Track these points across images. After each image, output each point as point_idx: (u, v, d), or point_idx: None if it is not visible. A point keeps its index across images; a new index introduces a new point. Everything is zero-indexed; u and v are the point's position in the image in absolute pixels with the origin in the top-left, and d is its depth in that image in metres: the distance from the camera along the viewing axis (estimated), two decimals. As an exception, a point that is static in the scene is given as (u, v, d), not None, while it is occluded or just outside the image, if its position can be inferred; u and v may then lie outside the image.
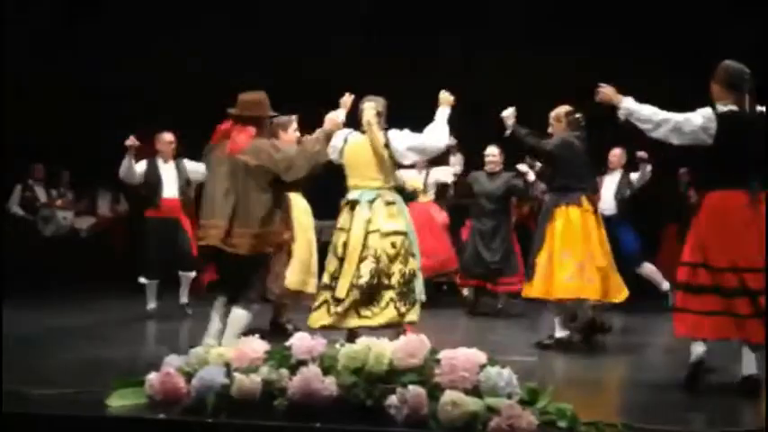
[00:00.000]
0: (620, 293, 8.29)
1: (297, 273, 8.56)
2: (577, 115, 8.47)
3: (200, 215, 7.01)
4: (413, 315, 7.22)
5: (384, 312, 7.12)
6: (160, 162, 10.42)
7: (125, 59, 14.31)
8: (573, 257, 8.08)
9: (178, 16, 14.38)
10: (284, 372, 4.88)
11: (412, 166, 10.83)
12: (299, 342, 5.00)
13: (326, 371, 4.87)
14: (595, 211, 8.32)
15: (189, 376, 4.94)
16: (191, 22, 14.47)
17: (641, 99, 12.43)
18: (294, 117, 8.42)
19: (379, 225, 7.26)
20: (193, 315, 9.93)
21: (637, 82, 13.62)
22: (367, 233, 7.23)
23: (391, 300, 7.15)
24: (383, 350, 4.88)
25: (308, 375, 4.80)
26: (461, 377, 4.74)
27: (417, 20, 14.46)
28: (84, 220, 14.10)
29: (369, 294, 7.13)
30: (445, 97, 7.65)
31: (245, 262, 6.75)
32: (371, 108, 7.47)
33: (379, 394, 4.76)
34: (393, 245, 7.26)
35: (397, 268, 7.22)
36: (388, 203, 7.39)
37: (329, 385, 4.79)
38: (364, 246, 7.22)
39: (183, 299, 10.47)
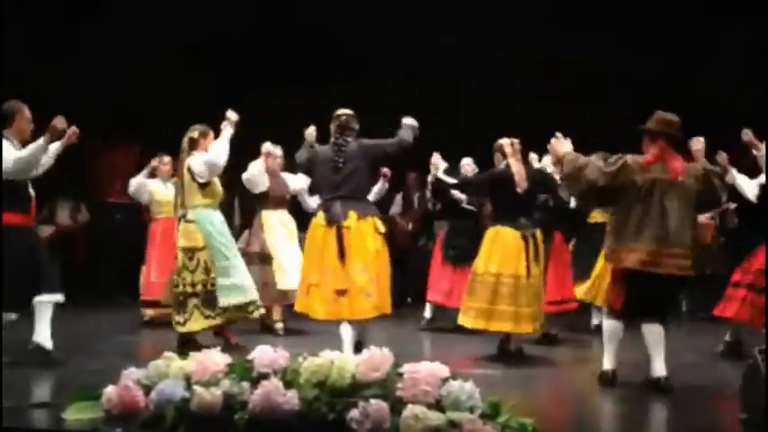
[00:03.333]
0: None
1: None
2: (342, 118, 8.12)
3: (635, 237, 6.84)
4: (218, 319, 8.46)
5: (193, 319, 8.36)
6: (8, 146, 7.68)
7: (125, 59, 14.32)
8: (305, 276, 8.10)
9: (178, 16, 14.38)
10: (245, 385, 4.85)
11: None
12: (261, 355, 4.96)
13: (288, 384, 4.84)
14: (330, 225, 7.81)
15: (148, 389, 4.91)
16: (190, 22, 14.46)
17: (639, 99, 12.46)
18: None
19: (180, 242, 8.59)
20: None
21: (636, 83, 13.75)
22: (178, 249, 8.57)
23: (195, 306, 8.36)
24: (346, 364, 4.87)
25: (269, 389, 4.77)
26: (424, 391, 4.73)
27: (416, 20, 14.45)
28: (43, 230, 13.78)
29: (178, 303, 8.45)
30: (230, 116, 8.49)
31: (678, 282, 7.03)
32: (186, 136, 8.56)
33: (341, 408, 4.73)
34: (191, 258, 8.49)
35: (198, 279, 8.45)
36: (188, 221, 8.60)
37: (291, 399, 4.76)
38: (176, 260, 8.57)
39: (46, 337, 7.79)
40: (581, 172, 6.90)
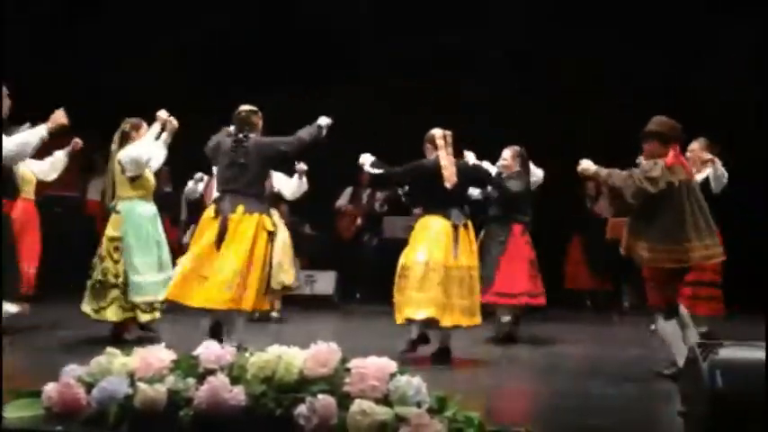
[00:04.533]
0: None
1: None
2: (242, 115, 8.20)
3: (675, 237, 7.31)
4: (146, 316, 8.72)
5: (110, 309, 8.55)
6: None
7: (125, 59, 14.35)
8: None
9: (178, 16, 14.40)
10: (191, 381, 4.78)
11: None
12: (207, 351, 4.90)
13: (235, 380, 4.78)
14: (216, 216, 7.90)
15: (89, 387, 4.83)
16: (190, 22, 14.48)
17: (639, 99, 12.37)
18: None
19: (107, 231, 8.83)
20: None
21: (636, 83, 13.68)
22: (105, 237, 8.83)
23: (115, 299, 8.56)
24: (293, 359, 4.80)
25: (215, 385, 4.71)
26: (371, 386, 4.68)
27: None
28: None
29: (96, 290, 8.61)
30: (159, 114, 8.67)
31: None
32: (119, 129, 8.81)
33: (288, 403, 4.67)
34: (116, 249, 8.72)
35: (122, 270, 8.69)
36: (117, 212, 8.84)
37: (237, 395, 4.69)
38: (100, 247, 8.83)
39: None
40: (628, 181, 7.33)
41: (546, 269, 10.40)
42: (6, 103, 7.69)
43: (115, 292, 8.59)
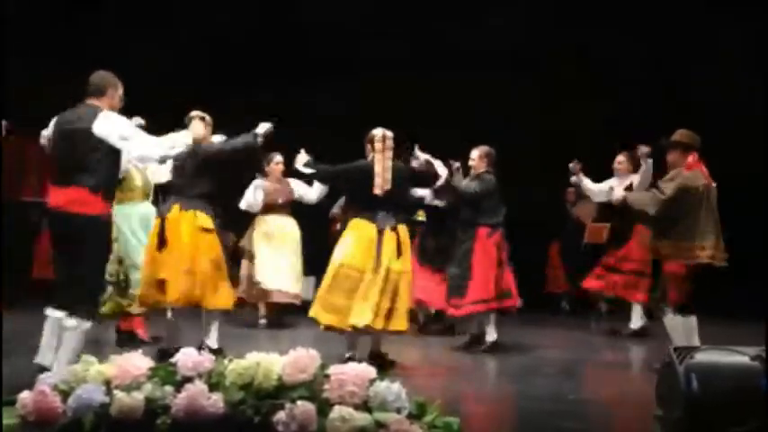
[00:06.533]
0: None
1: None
2: (192, 120, 8.44)
3: (690, 237, 7.89)
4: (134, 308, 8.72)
5: (107, 304, 8.54)
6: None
7: (125, 59, 14.34)
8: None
9: (178, 16, 14.42)
10: (168, 389, 4.73)
11: None
12: (185, 358, 4.85)
13: (214, 387, 4.73)
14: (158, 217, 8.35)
15: (65, 395, 4.78)
16: (190, 22, 14.50)
17: (640, 99, 12.28)
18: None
19: None
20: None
21: (635, 82, 13.65)
22: None
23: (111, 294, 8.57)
24: (272, 365, 4.77)
25: (193, 392, 4.67)
26: (351, 392, 4.66)
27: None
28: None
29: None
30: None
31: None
32: None
33: (267, 410, 4.64)
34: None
35: (114, 268, 8.58)
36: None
37: (216, 402, 4.65)
38: None
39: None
40: (652, 200, 8.02)
41: (526, 273, 10.37)
42: (119, 92, 7.32)
43: (110, 289, 8.72)
